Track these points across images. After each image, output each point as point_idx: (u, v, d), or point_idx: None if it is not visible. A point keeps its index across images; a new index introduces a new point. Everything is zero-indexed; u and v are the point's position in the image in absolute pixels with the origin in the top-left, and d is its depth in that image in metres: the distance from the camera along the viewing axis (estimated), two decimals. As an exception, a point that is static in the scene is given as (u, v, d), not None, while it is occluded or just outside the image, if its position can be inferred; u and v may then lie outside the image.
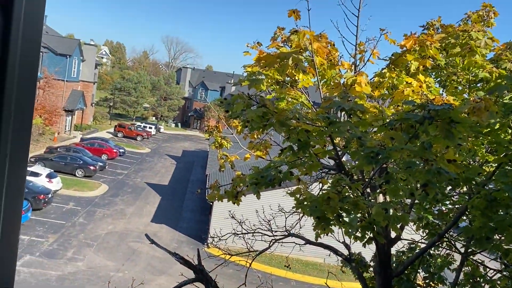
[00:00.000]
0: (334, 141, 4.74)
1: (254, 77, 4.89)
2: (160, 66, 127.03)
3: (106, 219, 27.54)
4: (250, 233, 8.30)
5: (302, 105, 6.02)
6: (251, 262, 8.04)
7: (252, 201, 9.17)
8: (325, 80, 5.88)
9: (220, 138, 7.73)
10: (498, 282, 6.54)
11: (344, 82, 5.10)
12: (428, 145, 3.21)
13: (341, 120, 4.29)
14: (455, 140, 3.07)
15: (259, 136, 6.74)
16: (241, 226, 8.63)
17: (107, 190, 33.43)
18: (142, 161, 45.61)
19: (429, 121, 3.13)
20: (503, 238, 5.12)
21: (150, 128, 63.34)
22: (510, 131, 4.99)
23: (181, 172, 43.41)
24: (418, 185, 3.90)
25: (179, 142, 62.43)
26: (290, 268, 10.36)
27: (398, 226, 4.56)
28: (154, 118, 76.49)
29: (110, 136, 54.92)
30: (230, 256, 8.10)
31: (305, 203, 4.68)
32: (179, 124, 78.86)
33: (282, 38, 5.70)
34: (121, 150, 45.12)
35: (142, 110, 73.32)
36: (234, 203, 6.78)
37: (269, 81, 5.30)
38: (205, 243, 24.83)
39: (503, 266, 6.61)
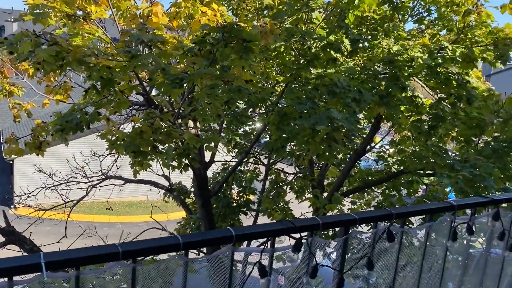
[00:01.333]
0: (139, 75, 4.69)
1: (38, 10, 4.35)
2: None
3: None
4: (63, 183, 7.80)
5: (99, 40, 5.66)
6: (69, 213, 7.66)
7: (61, 150, 8.50)
8: (121, 12, 5.60)
9: (8, 85, 6.74)
10: (295, 183, 7.78)
11: (140, 13, 4.96)
12: (226, 68, 3.49)
13: (143, 53, 4.24)
14: (249, 60, 3.41)
15: (56, 78, 6.14)
16: (52, 178, 8.04)
17: None
18: None
19: (224, 42, 3.38)
20: (295, 147, 6.06)
21: None
22: (293, 53, 5.73)
23: (-36, 132, 36.66)
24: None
25: (-46, 97, 51.81)
26: (112, 210, 10.22)
27: (213, 146, 4.93)
28: None
29: None
30: (44, 212, 7.55)
31: (118, 142, 4.62)
32: (-51, 75, 64.89)
33: (64, -34, 5.10)
34: None
35: None
36: (38, 155, 6.19)
37: (58, 14, 4.79)
38: (12, 205, 22.23)
39: (297, 169, 7.86)
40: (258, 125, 7.72)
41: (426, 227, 2.17)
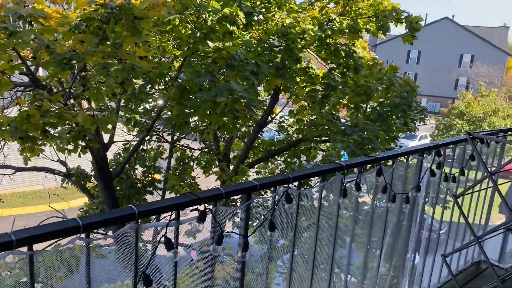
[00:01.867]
0: (21, 53, 4.29)
1: None
2: None
3: None
4: None
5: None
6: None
7: None
8: (-8, -17, 5.01)
9: None
10: (201, 158, 7.81)
11: (16, -15, 4.49)
12: (118, 44, 3.34)
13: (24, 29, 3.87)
14: (142, 36, 3.31)
15: None
16: None
17: None
18: None
19: (114, 20, 3.22)
20: (198, 122, 6.05)
21: None
22: (189, 26, 5.65)
23: None
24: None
25: None
26: (4, 202, 9.37)
27: (110, 127, 4.73)
28: None
29: None
30: None
31: (3, 128, 4.22)
32: None
33: None
34: None
35: None
36: None
37: None
38: None
39: (203, 144, 7.89)
40: (159, 101, 7.55)
41: (320, 187, 2.35)
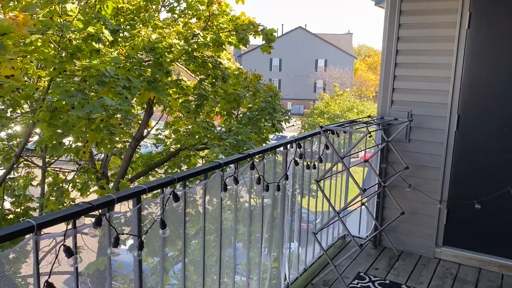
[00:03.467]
0: None
1: None
2: None
3: None
4: None
5: None
6: None
7: None
8: None
9: None
10: (77, 179, 7.52)
11: None
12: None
13: None
14: (7, 52, 3.20)
15: None
16: None
17: None
18: None
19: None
20: (72, 142, 5.88)
21: None
22: (53, 46, 5.49)
23: None
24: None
25: None
26: None
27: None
28: None
29: None
30: None
31: None
32: None
33: None
34: None
35: None
36: None
37: None
38: None
39: (77, 165, 7.59)
40: (21, 126, 7.06)
41: (202, 185, 2.63)
